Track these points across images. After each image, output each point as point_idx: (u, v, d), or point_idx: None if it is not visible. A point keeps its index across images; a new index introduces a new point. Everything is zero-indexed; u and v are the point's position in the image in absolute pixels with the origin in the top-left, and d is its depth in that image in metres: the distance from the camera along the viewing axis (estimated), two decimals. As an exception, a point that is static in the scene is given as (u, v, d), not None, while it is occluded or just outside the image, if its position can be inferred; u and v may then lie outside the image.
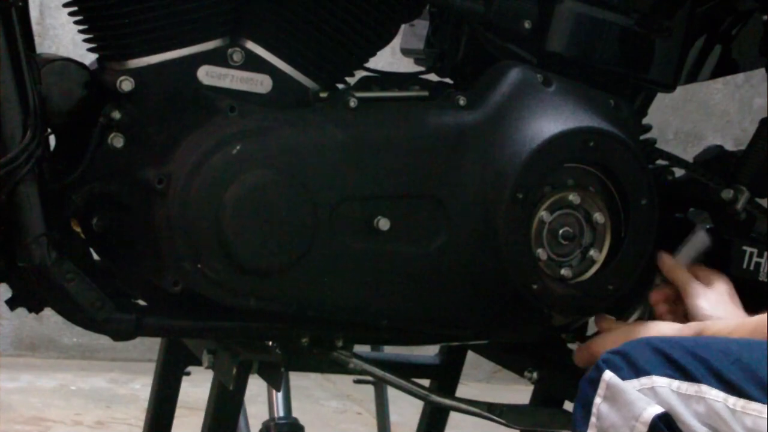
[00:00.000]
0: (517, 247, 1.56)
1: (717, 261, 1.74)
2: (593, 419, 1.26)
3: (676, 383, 1.23)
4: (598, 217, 1.61)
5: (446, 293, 1.58)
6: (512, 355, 1.84)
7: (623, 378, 1.25)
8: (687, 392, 1.22)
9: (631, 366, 1.25)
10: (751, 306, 1.61)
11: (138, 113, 1.48)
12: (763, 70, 1.86)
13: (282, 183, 1.46)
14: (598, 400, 1.26)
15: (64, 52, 1.69)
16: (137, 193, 1.47)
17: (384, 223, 1.51)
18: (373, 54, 1.61)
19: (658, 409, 1.21)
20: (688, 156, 1.88)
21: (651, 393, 1.23)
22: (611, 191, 1.62)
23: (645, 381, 1.24)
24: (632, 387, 1.24)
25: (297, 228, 1.47)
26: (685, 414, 1.21)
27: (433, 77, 1.72)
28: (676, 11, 1.70)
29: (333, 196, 1.49)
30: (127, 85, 1.46)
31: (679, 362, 1.24)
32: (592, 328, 1.71)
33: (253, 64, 1.52)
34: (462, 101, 1.58)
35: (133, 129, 1.48)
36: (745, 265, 1.73)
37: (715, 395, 1.21)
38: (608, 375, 1.25)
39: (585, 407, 1.27)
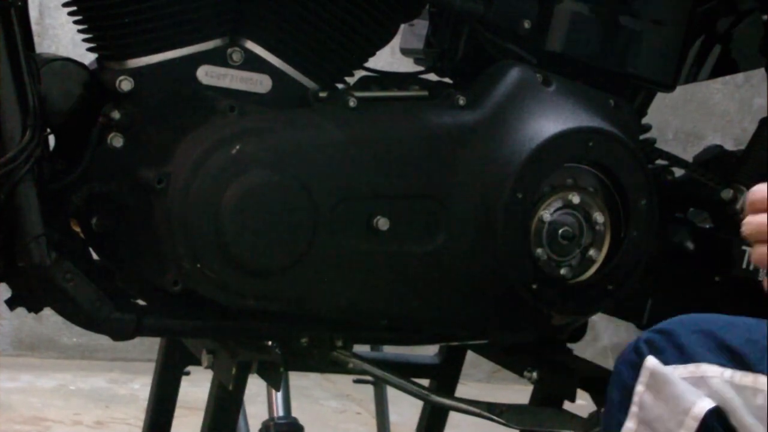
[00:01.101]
0: (517, 246, 1.56)
1: (717, 261, 1.74)
2: (635, 408, 1.14)
3: (729, 372, 1.09)
4: (598, 217, 1.61)
5: (446, 293, 1.58)
6: (512, 355, 1.84)
7: (667, 362, 1.12)
8: (741, 383, 1.09)
9: (676, 349, 1.12)
10: (751, 305, 1.61)
11: (137, 113, 1.48)
12: (763, 70, 1.86)
13: (282, 183, 1.46)
14: (640, 387, 1.13)
15: (63, 52, 1.69)
16: (137, 193, 1.47)
17: (384, 223, 1.51)
18: (373, 54, 1.61)
19: (710, 404, 1.08)
20: (688, 156, 1.88)
21: (701, 383, 1.10)
22: (611, 191, 1.62)
23: (693, 369, 1.11)
24: (679, 375, 1.11)
25: (297, 228, 1.47)
26: (739, 408, 1.08)
27: (433, 77, 1.72)
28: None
29: (333, 196, 1.49)
30: (126, 85, 1.46)
31: (733, 347, 1.10)
32: (592, 329, 1.71)
33: (252, 63, 1.52)
34: (461, 101, 1.58)
35: (133, 129, 1.48)
36: (744, 265, 1.73)
37: None
38: (651, 362, 1.13)
39: (624, 392, 1.14)
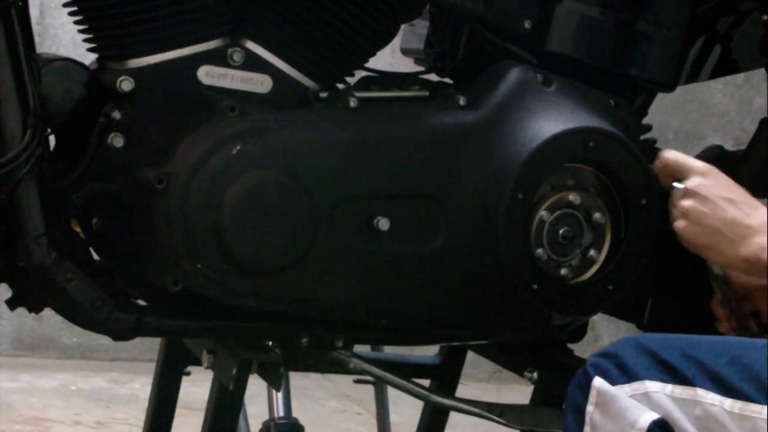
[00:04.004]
0: (517, 247, 1.56)
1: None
2: (587, 428, 1.22)
3: (669, 387, 1.19)
4: (598, 217, 1.61)
5: (446, 293, 1.57)
6: (512, 355, 1.84)
7: (613, 383, 1.20)
8: (682, 396, 1.18)
9: (621, 369, 1.21)
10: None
11: (138, 113, 1.48)
12: (763, 70, 1.86)
13: (282, 183, 1.46)
14: (590, 408, 1.21)
15: (64, 52, 1.69)
16: (137, 193, 1.47)
17: (384, 223, 1.51)
18: (373, 54, 1.61)
19: (653, 416, 1.17)
20: (688, 156, 1.88)
21: (644, 399, 1.19)
22: (611, 191, 1.62)
23: (637, 386, 1.20)
24: (624, 393, 1.20)
25: (297, 228, 1.47)
26: (681, 419, 1.17)
27: (433, 77, 1.72)
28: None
29: (333, 196, 1.49)
30: (127, 85, 1.46)
31: (672, 364, 1.19)
32: (592, 329, 1.71)
33: (253, 64, 1.52)
34: (462, 101, 1.58)
35: (133, 129, 1.48)
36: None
37: (711, 398, 1.16)
38: (598, 381, 1.21)
39: (576, 413, 1.23)
